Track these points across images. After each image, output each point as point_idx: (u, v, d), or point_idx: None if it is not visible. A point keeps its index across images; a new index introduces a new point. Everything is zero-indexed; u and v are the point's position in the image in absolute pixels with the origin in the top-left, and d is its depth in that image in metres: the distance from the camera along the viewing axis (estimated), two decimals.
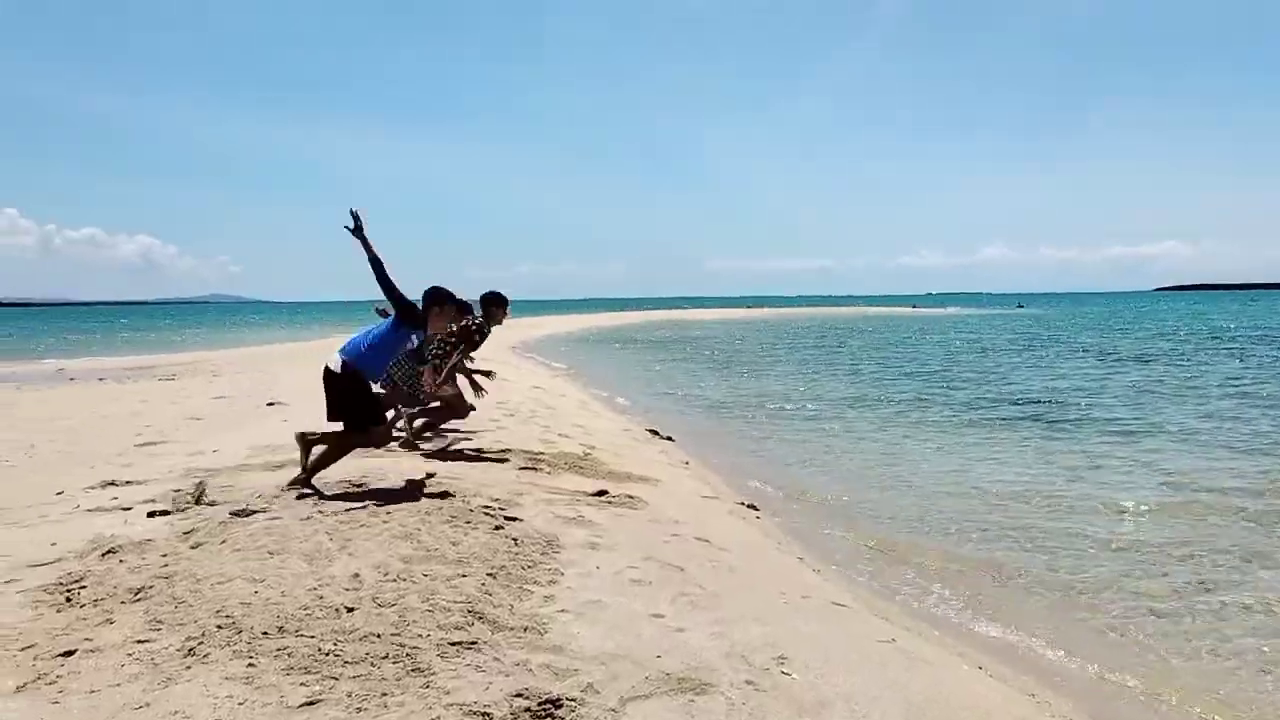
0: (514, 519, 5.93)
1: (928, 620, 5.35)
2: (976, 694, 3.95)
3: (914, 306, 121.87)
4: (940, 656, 4.49)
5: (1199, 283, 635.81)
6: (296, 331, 52.23)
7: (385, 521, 5.60)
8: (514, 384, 16.03)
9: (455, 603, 4.18)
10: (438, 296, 7.04)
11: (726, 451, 11.16)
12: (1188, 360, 25.19)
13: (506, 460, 8.11)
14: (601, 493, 7.20)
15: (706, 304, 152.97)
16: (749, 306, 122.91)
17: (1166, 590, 5.88)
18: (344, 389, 6.62)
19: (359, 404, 6.68)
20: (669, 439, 11.64)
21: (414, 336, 7.84)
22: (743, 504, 7.88)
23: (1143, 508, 7.89)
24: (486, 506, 6.10)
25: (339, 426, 6.73)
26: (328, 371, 6.68)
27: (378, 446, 7.22)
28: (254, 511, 5.89)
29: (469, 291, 8.19)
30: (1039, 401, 16.24)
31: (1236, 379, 19.55)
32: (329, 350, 6.94)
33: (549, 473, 7.82)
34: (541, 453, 8.72)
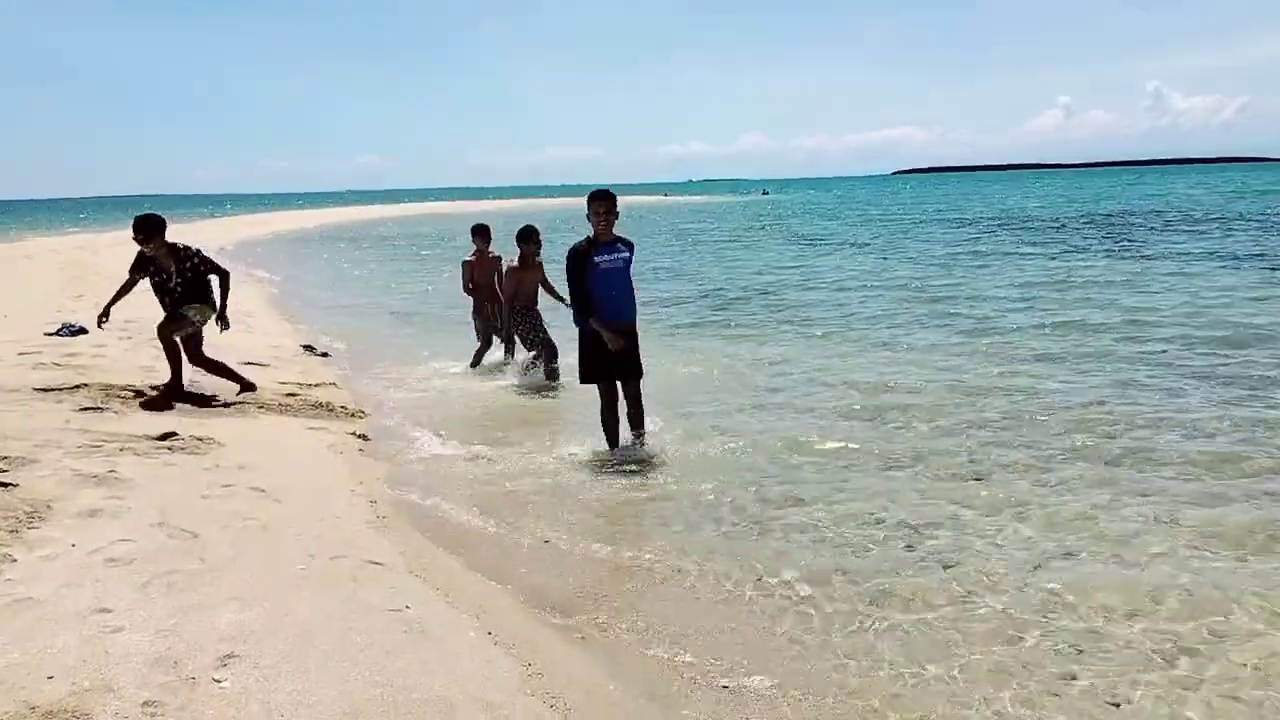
0: (7, 484, 4.95)
1: (487, 570, 4.86)
2: (457, 675, 3.49)
3: (665, 194, 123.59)
4: (452, 621, 4.01)
5: (935, 166, 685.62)
6: None
7: None
8: None
9: None
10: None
11: (380, 366, 10.36)
12: (890, 249, 26.59)
13: (65, 400, 6.97)
14: (168, 435, 6.29)
15: (474, 195, 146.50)
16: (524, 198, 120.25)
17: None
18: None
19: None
20: (324, 355, 10.72)
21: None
22: (354, 434, 7.17)
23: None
24: None
25: None
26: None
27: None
28: None
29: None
30: (727, 296, 16.47)
31: (920, 275, 20.62)
32: None
33: (118, 413, 6.79)
34: (130, 385, 7.63)
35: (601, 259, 6.73)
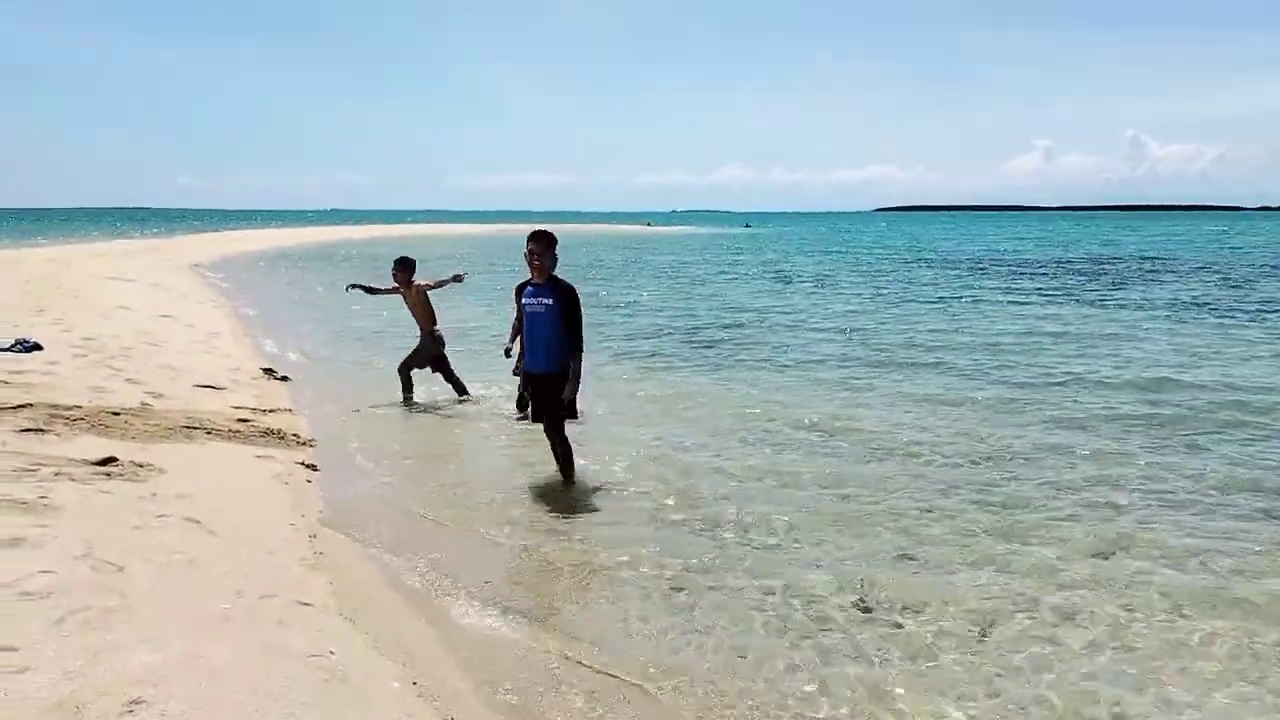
0: None
1: (423, 612, 4.74)
2: None
3: (649, 224, 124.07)
4: (376, 669, 3.89)
5: (912, 204, 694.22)
6: None
7: None
8: (134, 311, 14.20)
9: None
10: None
11: (342, 392, 10.21)
12: (860, 285, 26.71)
13: (7, 419, 6.79)
14: (108, 460, 6.13)
15: (452, 219, 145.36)
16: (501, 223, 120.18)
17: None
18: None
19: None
20: (284, 378, 10.55)
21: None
22: (303, 464, 7.02)
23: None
24: None
25: None
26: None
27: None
28: None
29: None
30: (703, 332, 16.41)
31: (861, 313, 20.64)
32: None
33: (59, 436, 6.62)
34: (76, 406, 7.46)
35: (527, 301, 6.69)
